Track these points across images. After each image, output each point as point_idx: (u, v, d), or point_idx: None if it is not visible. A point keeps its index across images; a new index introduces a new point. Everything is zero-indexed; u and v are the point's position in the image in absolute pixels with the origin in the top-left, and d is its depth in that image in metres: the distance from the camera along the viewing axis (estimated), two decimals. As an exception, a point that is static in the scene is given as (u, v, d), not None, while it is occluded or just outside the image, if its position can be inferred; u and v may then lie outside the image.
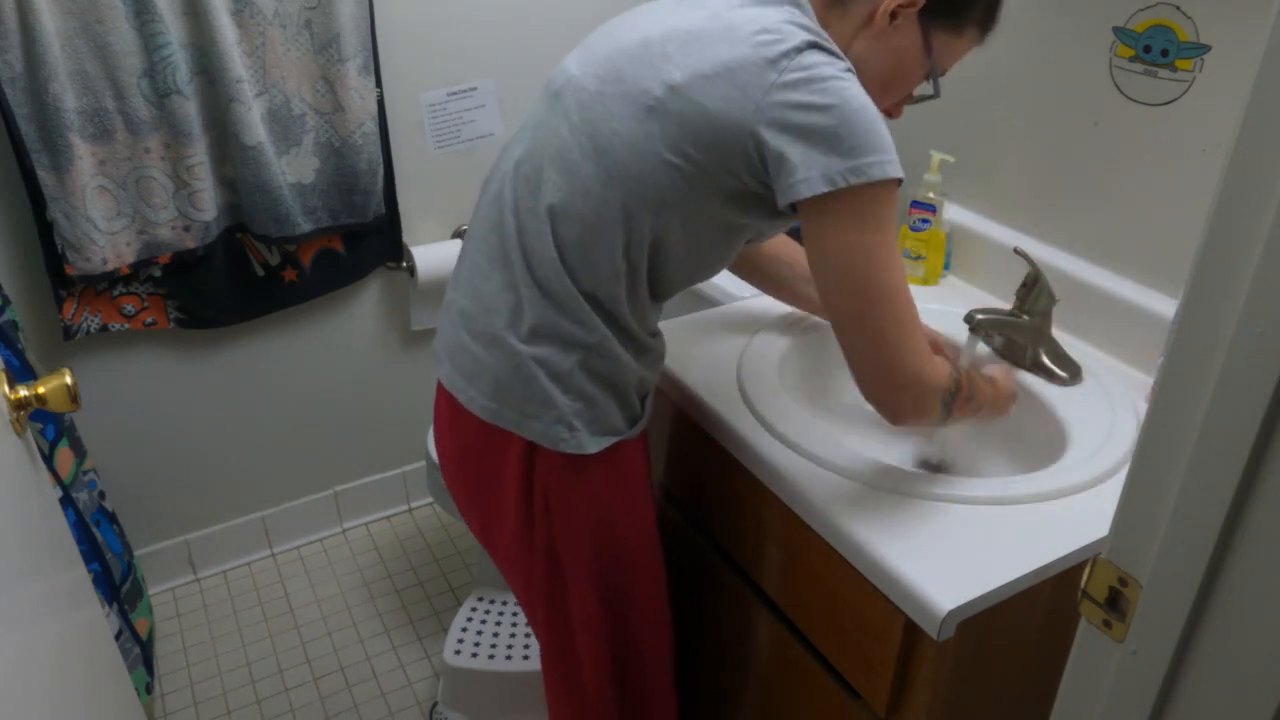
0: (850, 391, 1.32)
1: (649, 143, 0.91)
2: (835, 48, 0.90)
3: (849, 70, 0.89)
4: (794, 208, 0.91)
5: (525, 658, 1.61)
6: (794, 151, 0.86)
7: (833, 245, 0.89)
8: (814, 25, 0.92)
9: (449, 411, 1.09)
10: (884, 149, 0.86)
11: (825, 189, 0.85)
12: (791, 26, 0.89)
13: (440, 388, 1.11)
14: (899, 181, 0.88)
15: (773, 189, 0.90)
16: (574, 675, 1.16)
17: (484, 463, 1.07)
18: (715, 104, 0.88)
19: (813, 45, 0.88)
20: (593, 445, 1.01)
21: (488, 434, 1.03)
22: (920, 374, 0.93)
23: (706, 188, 0.92)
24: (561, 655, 1.16)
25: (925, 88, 1.01)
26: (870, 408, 0.98)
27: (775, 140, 0.86)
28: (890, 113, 1.01)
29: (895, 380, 0.92)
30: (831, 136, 0.85)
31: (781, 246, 1.26)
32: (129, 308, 1.72)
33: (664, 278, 1.01)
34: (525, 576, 1.12)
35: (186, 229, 1.67)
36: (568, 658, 1.15)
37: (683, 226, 0.95)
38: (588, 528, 1.06)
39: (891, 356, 0.91)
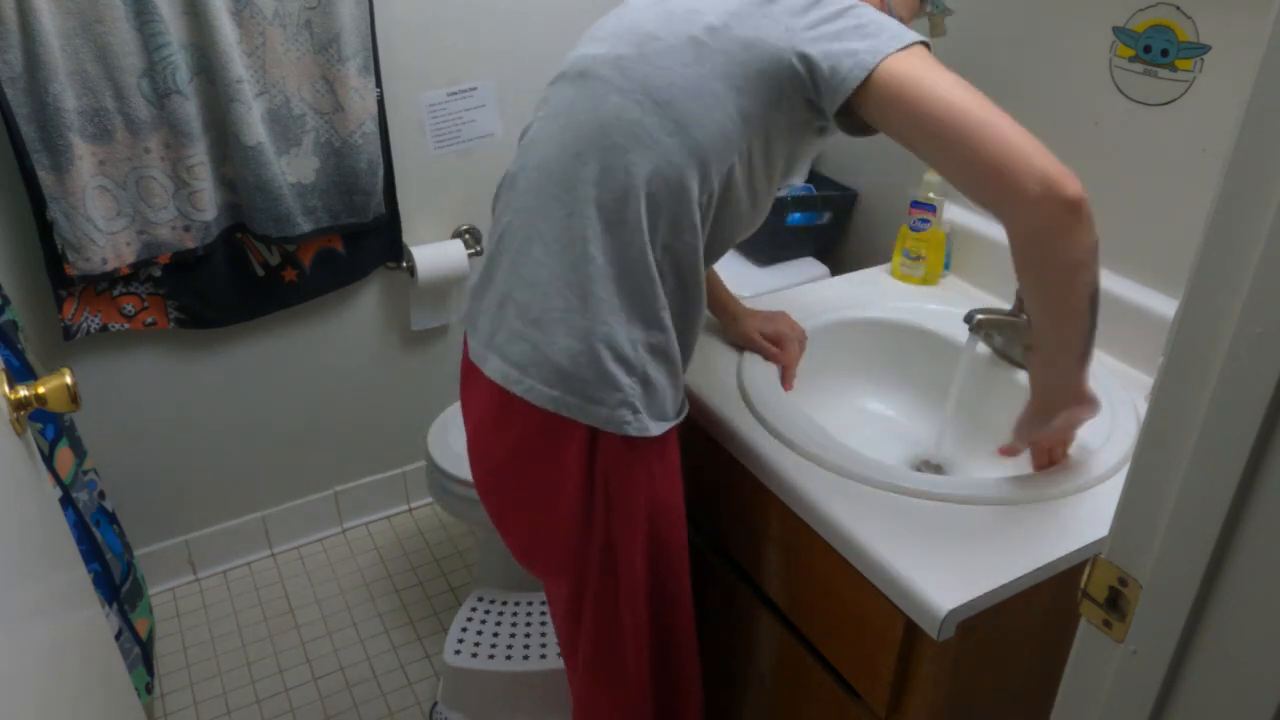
0: (851, 391, 1.32)
1: (706, 83, 0.95)
2: None
3: None
4: (846, 117, 0.95)
5: (525, 658, 1.61)
6: (835, 49, 0.91)
7: (910, 106, 0.89)
8: None
9: (497, 411, 1.05)
10: (906, 30, 0.93)
11: (874, 61, 0.89)
12: None
13: (482, 393, 1.07)
14: (927, 45, 0.93)
15: (822, 100, 0.94)
16: (618, 666, 1.14)
17: (542, 458, 1.04)
18: (752, 34, 0.94)
19: None
20: (655, 428, 1.01)
21: (547, 426, 1.01)
22: (1061, 172, 0.86)
23: (760, 120, 0.96)
24: (609, 648, 1.13)
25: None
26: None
27: (818, 49, 0.92)
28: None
29: (1011, 164, 0.86)
30: (862, 29, 0.92)
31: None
32: (129, 308, 1.72)
33: (719, 234, 1.04)
34: (577, 573, 1.10)
35: (186, 229, 1.67)
36: (614, 650, 1.13)
37: (742, 167, 0.98)
38: (643, 515, 1.05)
39: (996, 148, 0.86)
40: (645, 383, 1.00)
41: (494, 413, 1.06)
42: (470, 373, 1.12)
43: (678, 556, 1.12)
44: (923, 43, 0.93)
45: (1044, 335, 0.95)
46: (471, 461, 1.15)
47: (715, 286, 1.29)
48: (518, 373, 1.01)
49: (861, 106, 0.92)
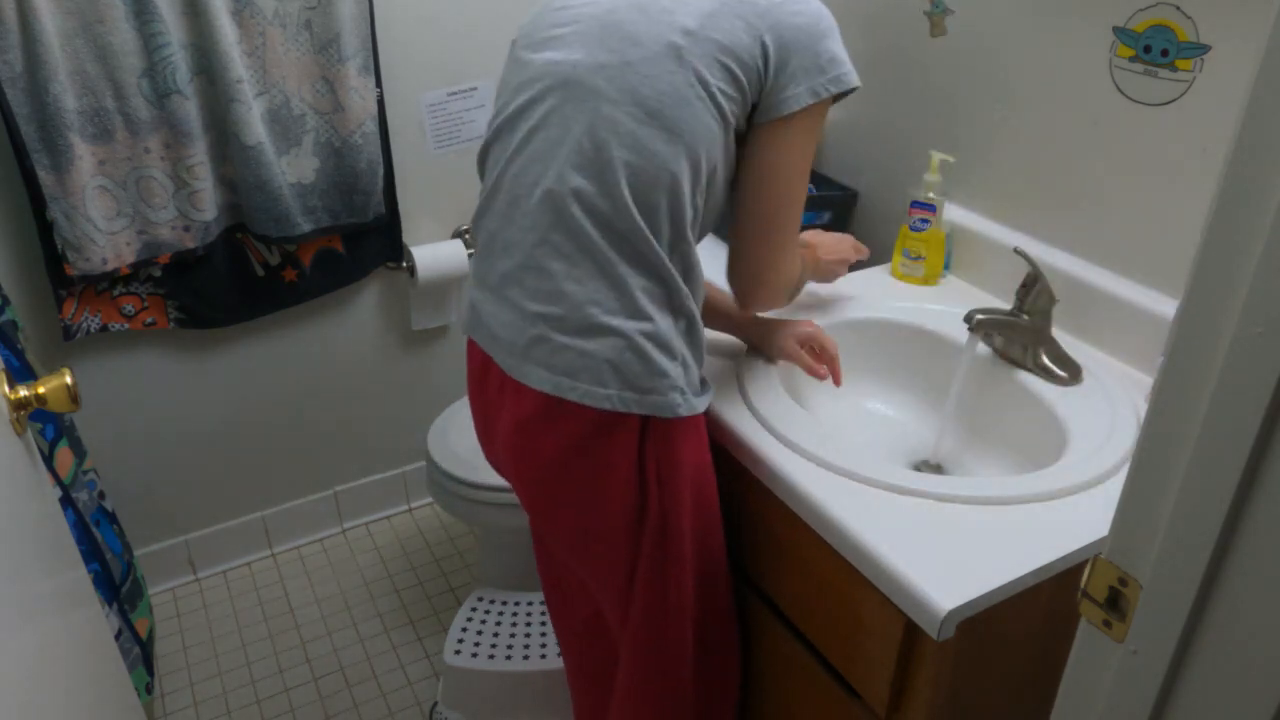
0: (851, 391, 1.32)
1: (690, 89, 0.98)
2: None
3: None
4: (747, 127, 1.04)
5: (525, 658, 1.61)
6: (791, 62, 1.00)
7: (790, 154, 1.03)
8: None
9: (543, 414, 1.05)
10: (846, 60, 1.02)
11: (810, 101, 1.00)
12: None
13: (522, 401, 1.06)
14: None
15: (759, 103, 1.02)
16: (663, 656, 1.16)
17: (594, 456, 1.05)
18: (725, 36, 0.99)
19: None
20: (700, 404, 1.07)
21: (600, 423, 1.03)
22: (790, 273, 1.11)
23: (734, 120, 1.02)
24: (658, 634, 1.14)
25: None
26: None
27: (778, 43, 0.99)
28: None
29: (768, 276, 1.09)
30: (815, 50, 1.00)
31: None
32: (129, 308, 1.72)
33: (704, 226, 1.09)
34: (628, 566, 1.11)
35: (186, 229, 1.67)
36: (662, 637, 1.14)
37: (725, 162, 1.04)
38: (689, 494, 1.09)
39: (777, 257, 1.08)
40: (685, 365, 1.05)
41: (539, 417, 1.05)
42: (488, 376, 1.12)
43: (719, 533, 1.16)
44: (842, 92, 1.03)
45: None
46: (508, 463, 1.14)
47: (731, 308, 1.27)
48: (569, 380, 1.02)
49: (765, 127, 1.04)
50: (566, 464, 1.07)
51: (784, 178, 1.04)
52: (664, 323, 1.03)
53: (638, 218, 0.99)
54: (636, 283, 1.01)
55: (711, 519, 1.14)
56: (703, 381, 1.10)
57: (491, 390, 1.13)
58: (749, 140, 1.05)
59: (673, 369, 1.03)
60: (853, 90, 1.03)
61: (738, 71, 0.99)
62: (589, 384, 1.02)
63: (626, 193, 0.98)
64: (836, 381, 1.24)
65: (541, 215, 1.02)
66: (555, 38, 1.04)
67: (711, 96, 0.98)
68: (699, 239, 1.08)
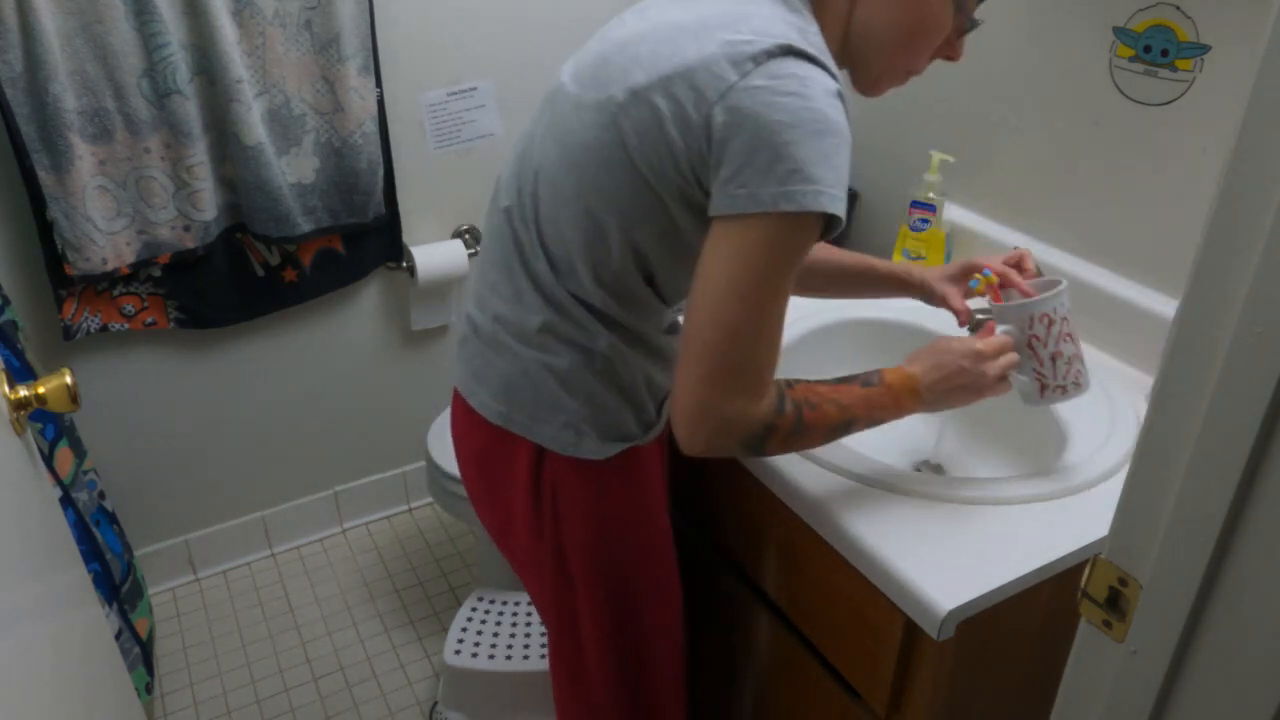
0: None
1: (615, 152, 0.86)
2: (819, 50, 0.84)
3: (830, 78, 0.82)
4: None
5: (525, 657, 1.61)
6: (735, 154, 0.80)
7: (732, 266, 0.82)
8: (803, 21, 0.86)
9: (464, 416, 1.08)
10: (824, 180, 0.79)
11: (752, 210, 0.79)
12: (771, 25, 0.83)
13: (455, 392, 1.11)
14: (832, 220, 0.81)
15: (706, 184, 0.84)
16: (582, 681, 1.15)
17: (496, 466, 1.06)
18: (670, 106, 0.83)
19: (788, 51, 0.80)
20: (600, 451, 0.99)
21: (499, 437, 1.03)
22: (741, 425, 0.86)
23: (671, 197, 0.87)
24: (569, 663, 1.15)
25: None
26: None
27: (725, 126, 0.80)
28: (949, 55, 0.95)
29: (698, 416, 0.85)
30: (774, 150, 0.78)
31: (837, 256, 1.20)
32: (129, 308, 1.72)
33: (664, 285, 0.96)
34: (538, 580, 1.11)
35: (186, 229, 1.67)
36: (576, 665, 1.14)
37: (659, 239, 0.90)
38: (596, 534, 1.04)
39: (710, 396, 0.84)
40: (595, 405, 0.97)
41: (463, 417, 1.09)
42: None
43: (656, 583, 1.10)
44: (824, 214, 0.80)
45: None
46: (456, 456, 1.18)
47: (879, 267, 1.17)
48: (474, 384, 1.04)
49: (717, 220, 0.83)
50: (476, 463, 1.10)
51: (716, 294, 0.82)
52: (568, 360, 0.96)
53: (544, 258, 0.94)
54: (540, 315, 0.96)
55: (642, 573, 1.08)
56: (647, 426, 1.01)
57: None
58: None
59: (571, 406, 0.97)
60: (833, 219, 0.81)
61: (672, 143, 0.83)
62: (487, 395, 1.02)
63: (536, 232, 0.94)
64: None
65: (494, 219, 1.03)
66: (586, 46, 1.00)
67: (643, 163, 0.85)
68: (665, 298, 0.98)
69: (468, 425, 1.08)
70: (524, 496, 1.04)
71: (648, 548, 1.09)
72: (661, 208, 0.88)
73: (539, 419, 0.99)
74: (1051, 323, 0.99)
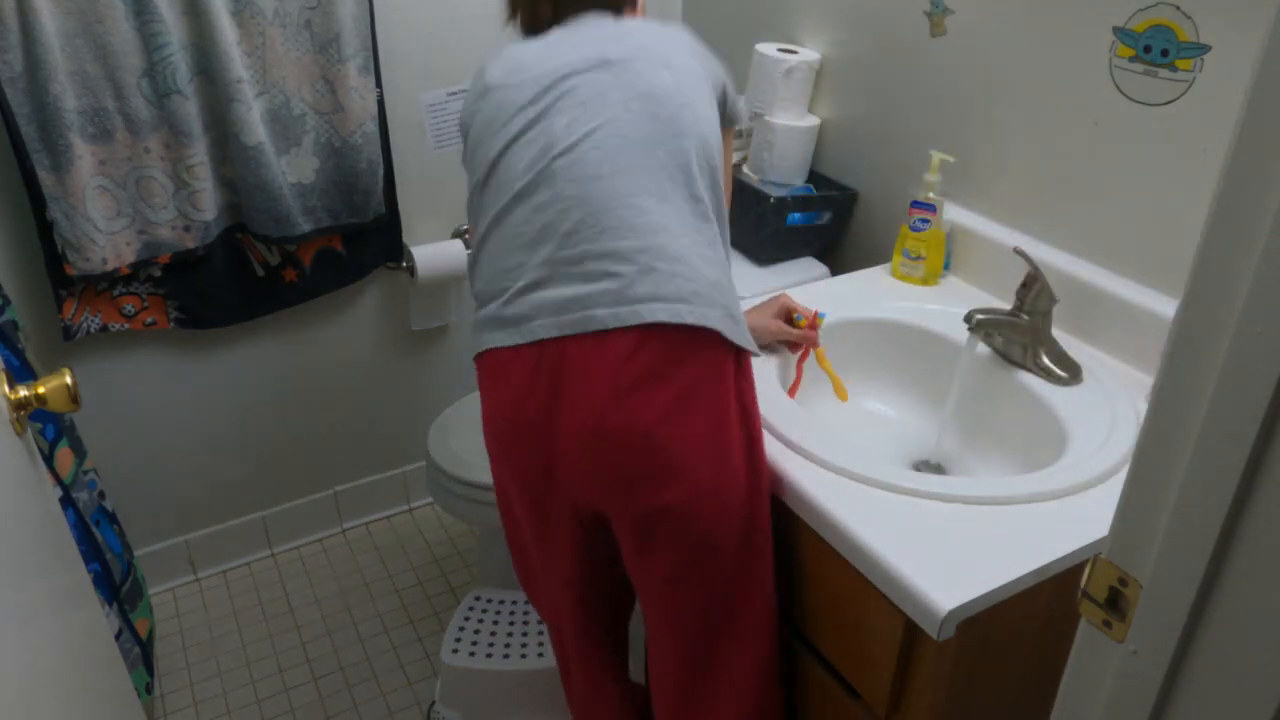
0: (851, 391, 1.32)
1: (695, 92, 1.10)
2: None
3: None
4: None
5: (523, 656, 1.61)
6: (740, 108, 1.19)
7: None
8: None
9: (637, 368, 0.98)
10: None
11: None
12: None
13: (597, 361, 0.98)
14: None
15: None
16: (751, 619, 1.09)
17: (706, 397, 0.99)
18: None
19: None
20: (749, 340, 1.06)
21: (710, 360, 1.00)
22: None
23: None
24: (748, 600, 1.08)
25: None
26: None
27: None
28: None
29: None
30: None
31: None
32: (129, 308, 1.72)
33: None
34: (745, 524, 1.03)
35: (186, 229, 1.67)
36: (752, 601, 1.08)
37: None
38: (759, 429, 1.07)
39: None
40: (728, 291, 1.06)
41: (631, 372, 0.98)
42: (538, 379, 1.03)
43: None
44: None
45: None
46: (588, 455, 1.02)
47: None
48: (685, 306, 0.99)
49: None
50: (675, 418, 0.98)
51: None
52: (720, 255, 1.06)
53: (690, 172, 1.07)
54: (706, 226, 1.06)
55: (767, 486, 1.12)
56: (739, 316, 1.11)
57: (543, 391, 1.02)
58: None
59: (737, 312, 1.05)
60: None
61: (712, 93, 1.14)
62: (704, 306, 1.00)
63: (682, 148, 1.07)
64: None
65: (619, 160, 1.06)
66: (504, 85, 1.15)
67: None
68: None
69: (651, 373, 0.98)
70: (738, 418, 1.02)
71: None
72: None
73: (738, 321, 1.04)
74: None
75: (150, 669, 1.72)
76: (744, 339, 1.04)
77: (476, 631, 1.66)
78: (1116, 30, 1.21)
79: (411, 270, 1.95)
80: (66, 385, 0.89)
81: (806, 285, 1.48)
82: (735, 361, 1.04)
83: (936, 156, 1.43)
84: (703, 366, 1.00)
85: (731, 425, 1.02)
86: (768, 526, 1.07)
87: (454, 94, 1.89)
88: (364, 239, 1.89)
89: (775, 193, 1.65)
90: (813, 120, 1.71)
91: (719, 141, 1.11)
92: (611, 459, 1.00)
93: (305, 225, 1.77)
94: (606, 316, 0.98)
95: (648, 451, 0.99)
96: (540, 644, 1.63)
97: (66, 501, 1.51)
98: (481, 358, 1.09)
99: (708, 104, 1.10)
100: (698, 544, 1.03)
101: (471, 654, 1.62)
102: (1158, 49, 1.17)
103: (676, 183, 1.04)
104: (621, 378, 0.98)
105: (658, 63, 1.07)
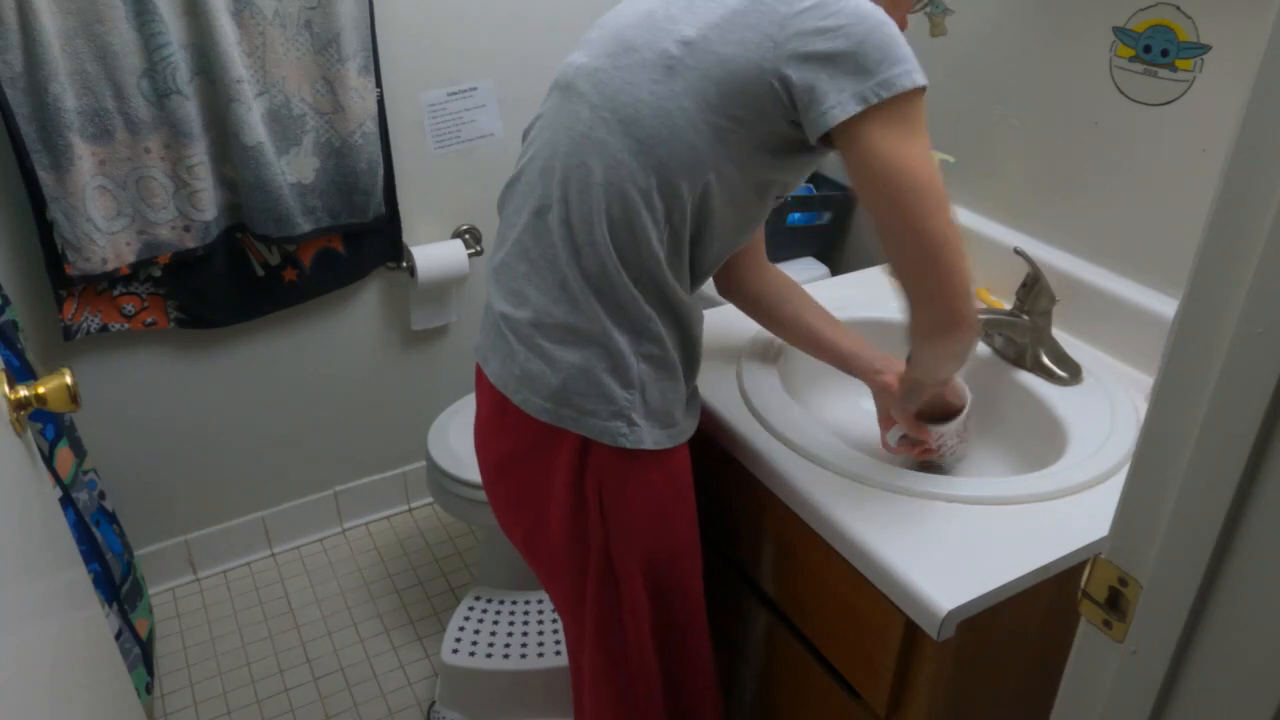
0: (851, 391, 1.32)
1: (674, 101, 0.91)
2: None
3: None
4: (826, 141, 0.91)
5: (523, 656, 1.61)
6: (821, 80, 0.86)
7: (876, 162, 0.87)
8: None
9: (495, 415, 1.06)
10: (906, 59, 0.86)
11: (858, 108, 0.85)
12: None
13: (485, 391, 1.08)
14: (924, 89, 0.88)
15: (803, 125, 0.90)
16: (624, 678, 1.13)
17: (535, 466, 1.04)
18: (732, 50, 0.89)
19: None
20: (654, 439, 1.00)
21: (541, 435, 1.01)
22: (971, 285, 0.90)
23: (738, 140, 0.92)
24: (608, 664, 1.13)
25: None
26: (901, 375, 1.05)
27: (801, 74, 0.87)
28: (901, 24, 0.99)
29: (957, 290, 0.89)
30: (854, 56, 0.85)
31: (788, 288, 1.23)
32: (129, 308, 1.72)
33: (705, 248, 1.00)
34: (574, 581, 1.09)
35: (186, 229, 1.67)
36: (616, 666, 1.12)
37: (720, 185, 0.95)
38: (644, 526, 1.04)
39: (953, 266, 0.88)
40: (643, 392, 0.99)
41: (494, 414, 1.07)
42: (479, 368, 1.13)
43: (692, 569, 1.12)
44: (921, 87, 0.87)
45: (923, 365, 1.01)
46: (477, 455, 1.16)
47: (838, 337, 1.19)
48: (515, 383, 1.02)
49: (838, 141, 0.89)
50: (508, 468, 1.08)
51: (900, 180, 0.87)
52: (619, 347, 0.97)
53: (606, 231, 0.95)
54: (590, 304, 0.96)
55: (681, 571, 1.10)
56: (669, 417, 1.03)
57: (479, 381, 1.14)
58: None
59: (622, 395, 0.98)
60: (921, 89, 0.88)
61: (743, 87, 0.89)
62: (530, 393, 1.00)
63: (596, 205, 0.95)
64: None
65: (525, 219, 1.02)
66: (586, 40, 1.03)
67: (709, 110, 0.90)
68: (699, 268, 1.03)
69: (500, 425, 1.06)
70: (566, 493, 1.03)
71: (685, 536, 1.09)
72: (725, 151, 0.92)
73: (589, 411, 0.98)
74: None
75: (150, 669, 1.72)
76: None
77: (476, 631, 1.66)
78: (1116, 30, 1.21)
79: (411, 270, 1.95)
80: (66, 385, 0.89)
81: (806, 285, 1.48)
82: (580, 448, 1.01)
83: (936, 156, 1.43)
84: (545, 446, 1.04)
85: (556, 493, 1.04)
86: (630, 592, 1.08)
87: (454, 94, 1.89)
88: (364, 239, 1.89)
89: (775, 193, 1.65)
90: (813, 120, 1.70)
91: None
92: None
93: (305, 225, 1.77)
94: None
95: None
96: (540, 643, 1.63)
97: (66, 501, 1.51)
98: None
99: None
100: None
101: (471, 654, 1.62)
102: (1158, 49, 1.17)
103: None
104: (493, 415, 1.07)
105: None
